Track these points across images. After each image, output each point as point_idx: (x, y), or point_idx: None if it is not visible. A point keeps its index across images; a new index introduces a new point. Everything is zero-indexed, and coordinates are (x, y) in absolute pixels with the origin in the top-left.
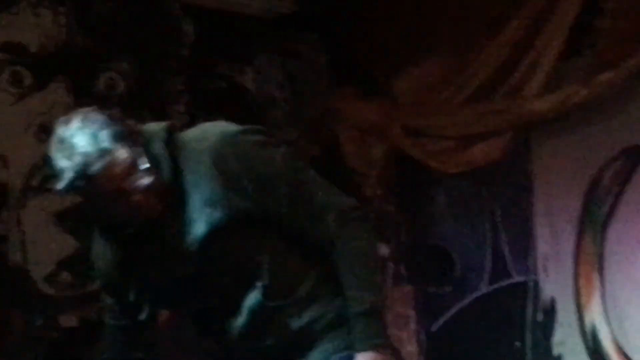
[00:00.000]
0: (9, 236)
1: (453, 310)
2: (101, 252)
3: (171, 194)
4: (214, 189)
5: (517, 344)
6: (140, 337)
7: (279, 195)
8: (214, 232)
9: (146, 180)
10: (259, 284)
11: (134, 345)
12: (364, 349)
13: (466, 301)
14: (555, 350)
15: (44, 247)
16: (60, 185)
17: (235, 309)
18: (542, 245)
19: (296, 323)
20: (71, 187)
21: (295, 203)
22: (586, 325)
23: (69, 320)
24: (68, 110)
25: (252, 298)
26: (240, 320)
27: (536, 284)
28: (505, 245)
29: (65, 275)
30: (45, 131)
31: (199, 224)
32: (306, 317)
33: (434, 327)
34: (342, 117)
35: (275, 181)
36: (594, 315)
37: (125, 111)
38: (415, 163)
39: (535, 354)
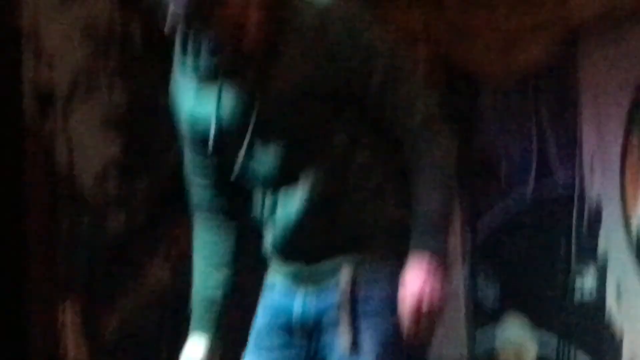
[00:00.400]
0: (56, 141)
1: (499, 213)
2: (183, 89)
3: (276, 38)
4: (311, 52)
5: (563, 245)
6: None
7: (375, 75)
8: (293, 97)
9: (261, 16)
10: (321, 169)
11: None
12: (419, 250)
13: (512, 204)
14: (601, 251)
15: (90, 151)
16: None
17: (292, 193)
18: (589, 148)
19: (351, 222)
20: (189, 9)
21: (388, 87)
22: (632, 227)
23: (116, 221)
24: (113, 14)
25: (311, 184)
26: (295, 207)
27: (582, 187)
28: (551, 149)
29: (112, 180)
30: (90, 35)
31: (284, 82)
32: (362, 217)
33: (480, 234)
34: (386, 20)
35: (376, 58)
36: None
37: None
38: (461, 68)
39: (581, 254)
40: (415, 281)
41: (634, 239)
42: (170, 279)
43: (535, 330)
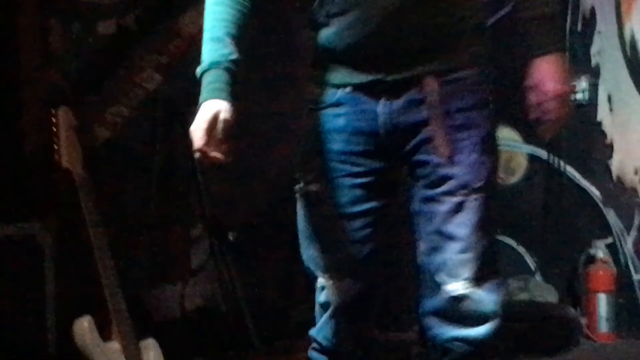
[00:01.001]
0: None
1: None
2: None
3: None
4: None
5: None
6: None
7: None
8: None
9: None
10: None
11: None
12: (547, 53)
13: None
14: (594, 60)
15: None
16: None
17: None
18: None
19: (443, 21)
20: None
21: None
22: (625, 34)
23: (107, 28)
24: None
25: None
26: None
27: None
28: None
29: None
30: None
31: None
32: (454, 16)
33: None
34: None
35: None
36: (634, 25)
37: None
38: None
39: (574, 63)
40: (559, 80)
41: (628, 49)
42: (160, 86)
43: (526, 144)
